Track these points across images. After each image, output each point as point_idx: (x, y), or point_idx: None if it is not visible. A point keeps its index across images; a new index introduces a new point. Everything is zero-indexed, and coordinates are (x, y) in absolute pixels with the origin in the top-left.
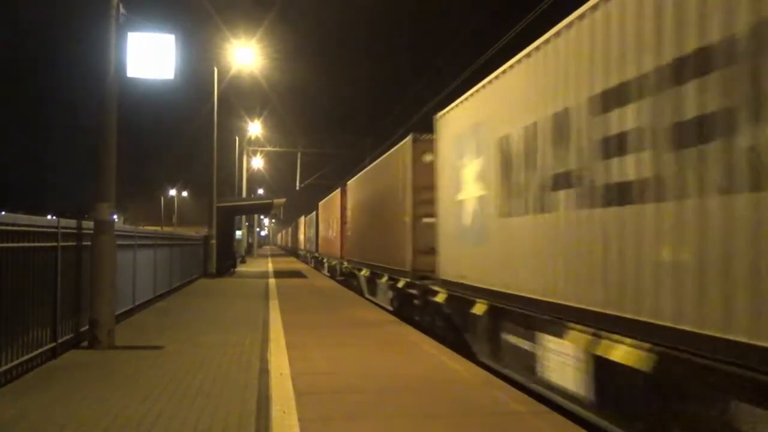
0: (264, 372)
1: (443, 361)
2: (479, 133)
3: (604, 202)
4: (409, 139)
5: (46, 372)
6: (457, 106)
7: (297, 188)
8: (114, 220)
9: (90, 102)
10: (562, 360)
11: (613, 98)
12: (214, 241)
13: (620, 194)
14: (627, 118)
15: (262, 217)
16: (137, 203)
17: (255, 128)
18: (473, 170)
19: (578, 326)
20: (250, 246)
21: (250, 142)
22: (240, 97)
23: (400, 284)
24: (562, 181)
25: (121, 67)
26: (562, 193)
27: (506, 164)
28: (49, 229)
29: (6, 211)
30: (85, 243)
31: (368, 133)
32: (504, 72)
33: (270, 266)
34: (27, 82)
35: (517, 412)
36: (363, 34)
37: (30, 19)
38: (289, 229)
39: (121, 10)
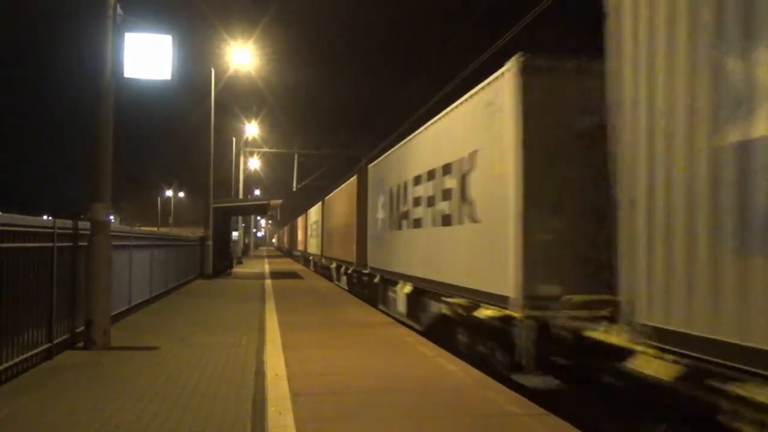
0: (260, 373)
1: (439, 363)
2: None
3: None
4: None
5: (41, 373)
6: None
7: (294, 189)
8: (110, 220)
9: (86, 102)
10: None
11: None
12: (210, 242)
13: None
14: None
15: (258, 218)
16: (133, 204)
17: (252, 129)
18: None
19: None
20: (246, 247)
21: (246, 143)
22: (237, 98)
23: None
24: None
25: (118, 68)
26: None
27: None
28: (45, 230)
29: (1, 211)
30: (81, 243)
31: (365, 134)
32: None
33: (266, 267)
34: (22, 80)
35: (512, 413)
36: (360, 34)
37: (26, 17)
38: (286, 230)
39: (119, 10)
